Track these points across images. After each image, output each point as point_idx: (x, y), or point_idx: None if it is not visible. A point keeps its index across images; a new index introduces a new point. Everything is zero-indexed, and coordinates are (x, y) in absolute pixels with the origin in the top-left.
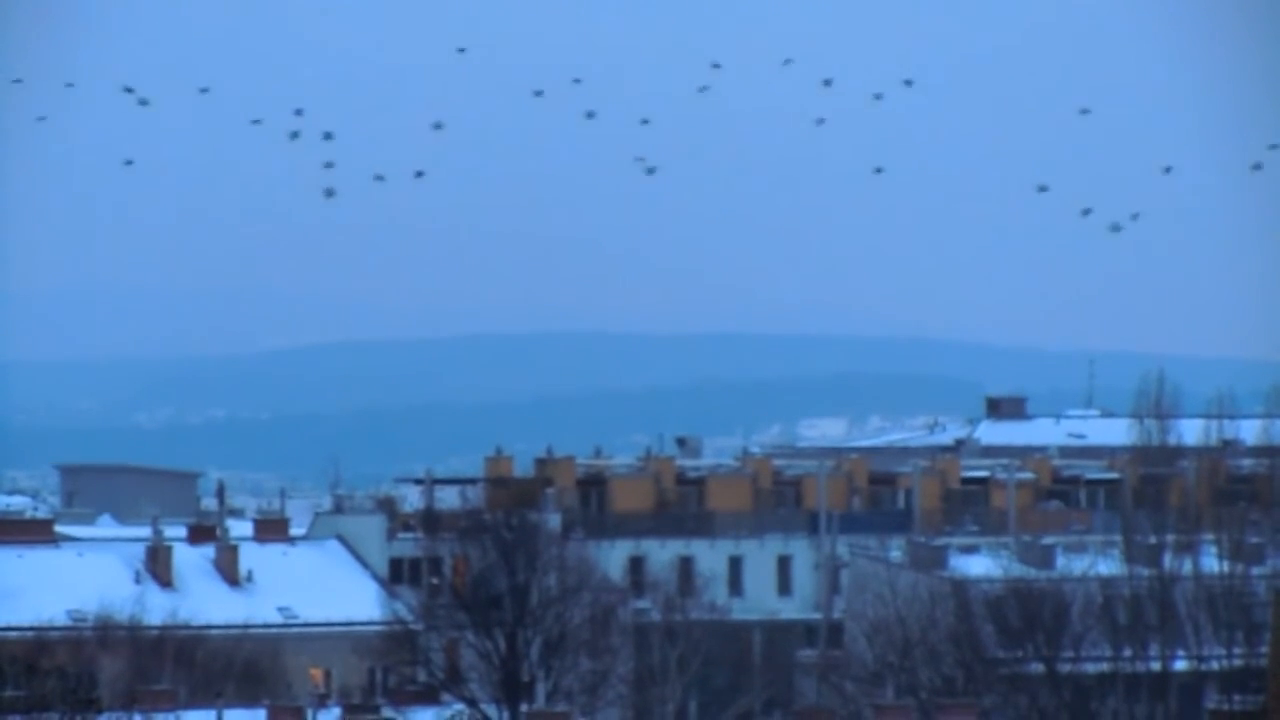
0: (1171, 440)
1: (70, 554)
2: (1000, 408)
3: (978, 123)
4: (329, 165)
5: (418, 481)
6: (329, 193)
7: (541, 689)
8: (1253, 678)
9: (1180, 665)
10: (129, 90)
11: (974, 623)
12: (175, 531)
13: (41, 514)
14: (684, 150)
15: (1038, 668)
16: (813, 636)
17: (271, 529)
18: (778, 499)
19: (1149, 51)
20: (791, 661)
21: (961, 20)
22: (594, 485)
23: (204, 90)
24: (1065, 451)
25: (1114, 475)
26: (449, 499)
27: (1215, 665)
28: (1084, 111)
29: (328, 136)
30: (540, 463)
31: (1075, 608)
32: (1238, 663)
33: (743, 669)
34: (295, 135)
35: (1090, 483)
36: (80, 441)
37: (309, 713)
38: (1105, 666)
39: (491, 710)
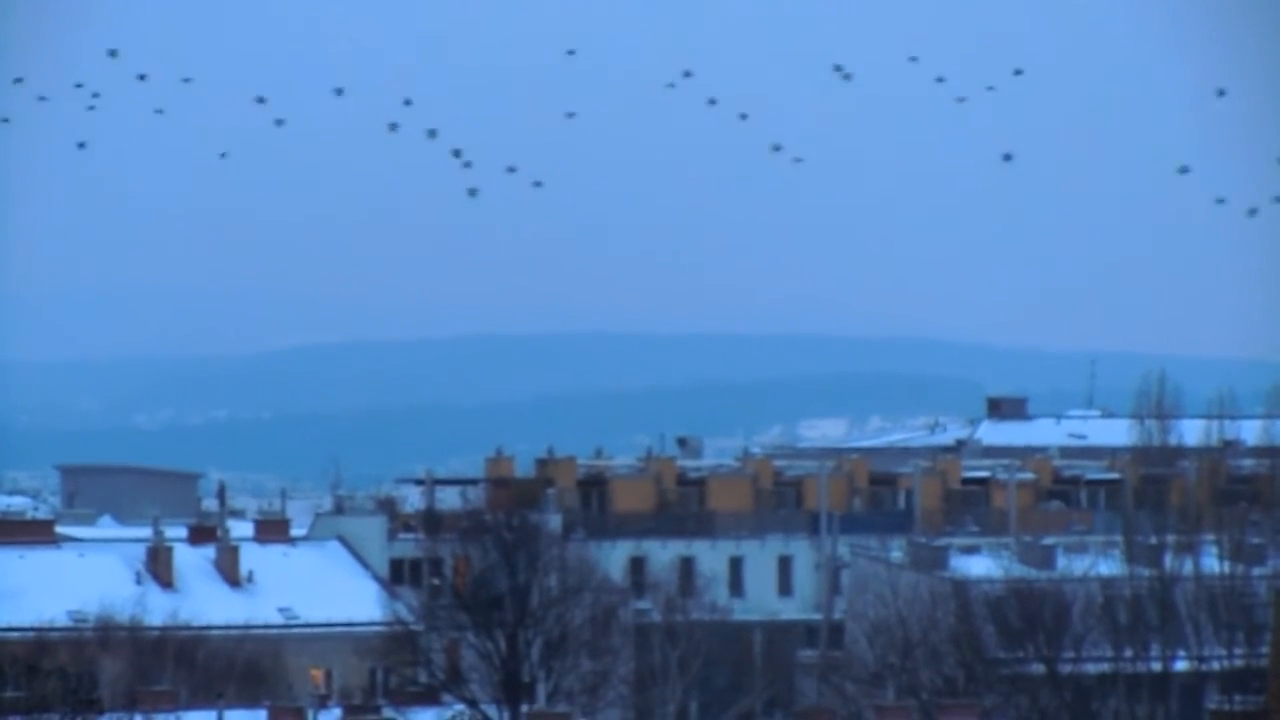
0: (1172, 440)
1: (71, 554)
2: (1001, 408)
3: (986, 120)
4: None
5: (418, 482)
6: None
7: (542, 689)
8: (1253, 678)
9: (1181, 666)
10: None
11: (975, 623)
12: (176, 532)
13: (42, 514)
14: (684, 150)
15: (1039, 668)
16: (813, 637)
17: (272, 529)
18: (778, 499)
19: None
20: (792, 662)
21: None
22: (595, 486)
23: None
24: (1066, 452)
25: (1115, 476)
26: (450, 499)
27: (1216, 666)
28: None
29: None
30: (541, 463)
31: (1076, 608)
32: (1238, 663)
33: (743, 669)
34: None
35: (1091, 483)
36: (81, 442)
37: (310, 713)
38: (1106, 667)
39: (492, 711)
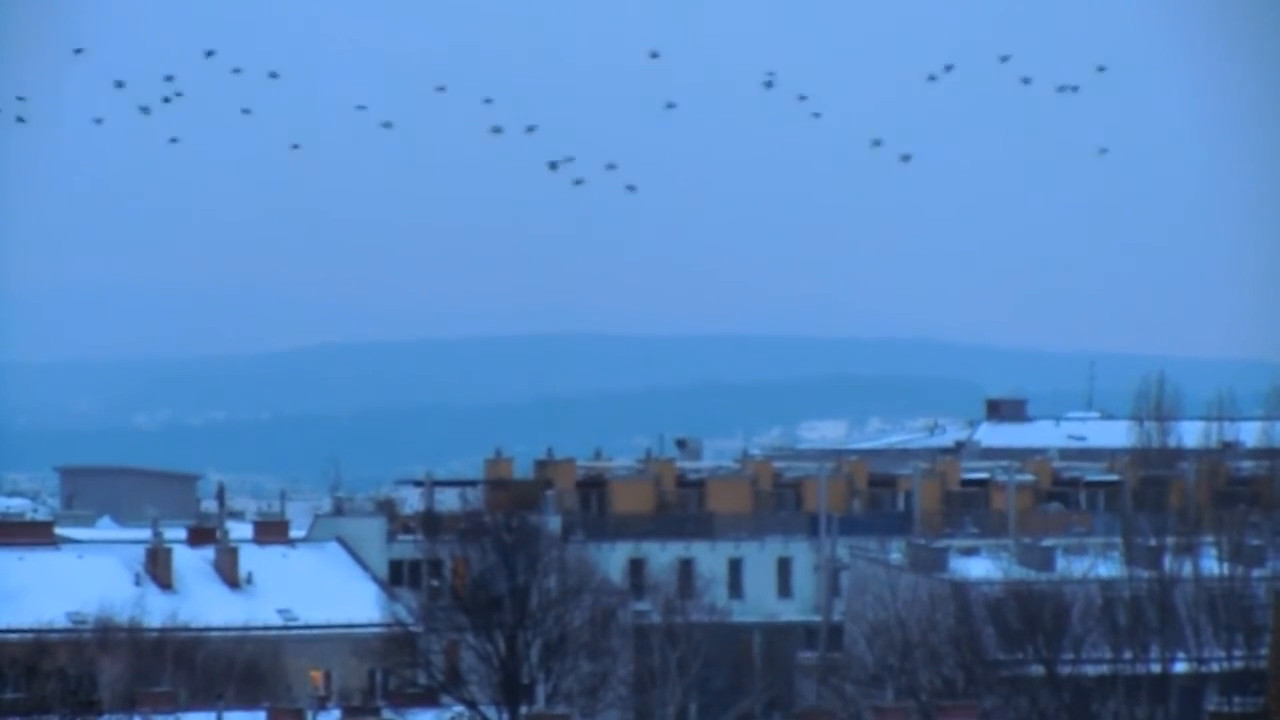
0: (1171, 442)
1: (70, 556)
2: (1000, 410)
3: (986, 121)
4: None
5: (418, 483)
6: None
7: (541, 691)
8: (1253, 680)
9: (1180, 667)
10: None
11: (974, 625)
12: (175, 533)
13: (41, 516)
14: (687, 150)
15: (1038, 670)
16: (813, 638)
17: (271, 531)
18: (778, 501)
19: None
20: (792, 663)
21: None
22: (594, 487)
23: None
24: (1065, 453)
25: (1114, 477)
26: (449, 501)
27: (1215, 667)
28: None
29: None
30: (540, 465)
31: (1075, 610)
32: (1238, 665)
33: (743, 671)
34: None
35: (1090, 485)
36: (80, 443)
37: (309, 715)
38: (1105, 669)
39: (491, 712)
